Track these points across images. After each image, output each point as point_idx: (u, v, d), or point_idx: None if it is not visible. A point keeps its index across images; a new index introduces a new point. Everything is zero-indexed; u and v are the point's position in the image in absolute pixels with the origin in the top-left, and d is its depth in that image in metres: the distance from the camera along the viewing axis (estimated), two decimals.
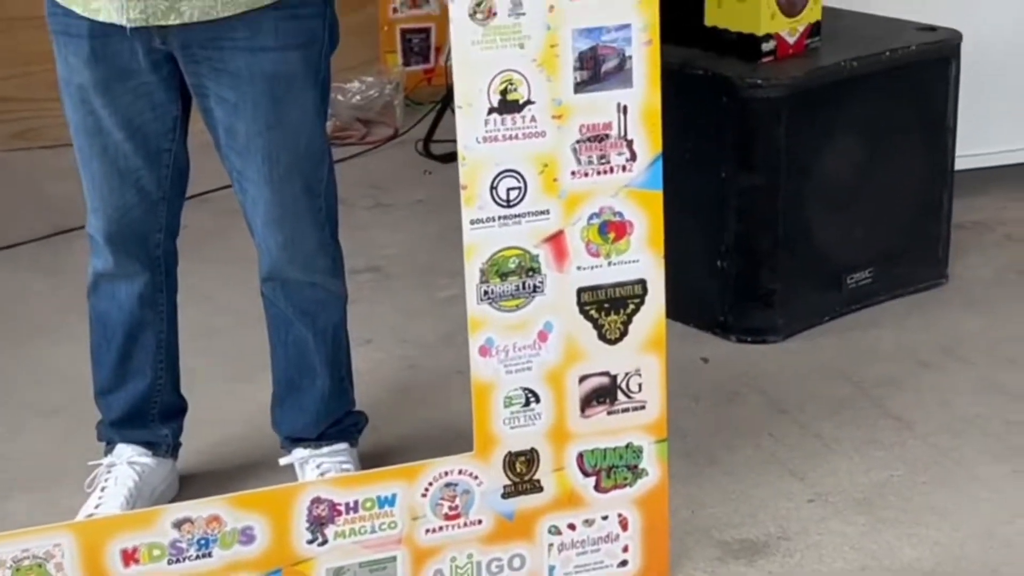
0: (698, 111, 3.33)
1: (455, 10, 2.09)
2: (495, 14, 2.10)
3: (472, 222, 2.18)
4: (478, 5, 2.08)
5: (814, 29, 3.41)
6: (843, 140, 3.45)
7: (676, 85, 3.04)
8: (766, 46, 3.33)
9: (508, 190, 2.18)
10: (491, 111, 2.14)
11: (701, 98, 3.33)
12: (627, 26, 2.15)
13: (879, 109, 3.45)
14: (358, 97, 4.97)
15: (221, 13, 2.24)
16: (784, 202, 3.35)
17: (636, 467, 2.38)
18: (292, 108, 2.39)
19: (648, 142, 2.21)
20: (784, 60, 3.35)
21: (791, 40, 3.37)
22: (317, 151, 2.47)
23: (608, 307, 2.28)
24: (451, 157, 2.18)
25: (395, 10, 5.21)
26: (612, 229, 2.24)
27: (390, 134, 4.92)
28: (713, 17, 3.36)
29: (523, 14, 2.10)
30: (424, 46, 5.27)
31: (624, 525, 2.42)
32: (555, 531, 2.39)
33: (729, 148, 3.32)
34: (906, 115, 3.51)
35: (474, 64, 2.11)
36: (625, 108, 2.19)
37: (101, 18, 2.28)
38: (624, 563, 2.44)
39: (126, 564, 2.20)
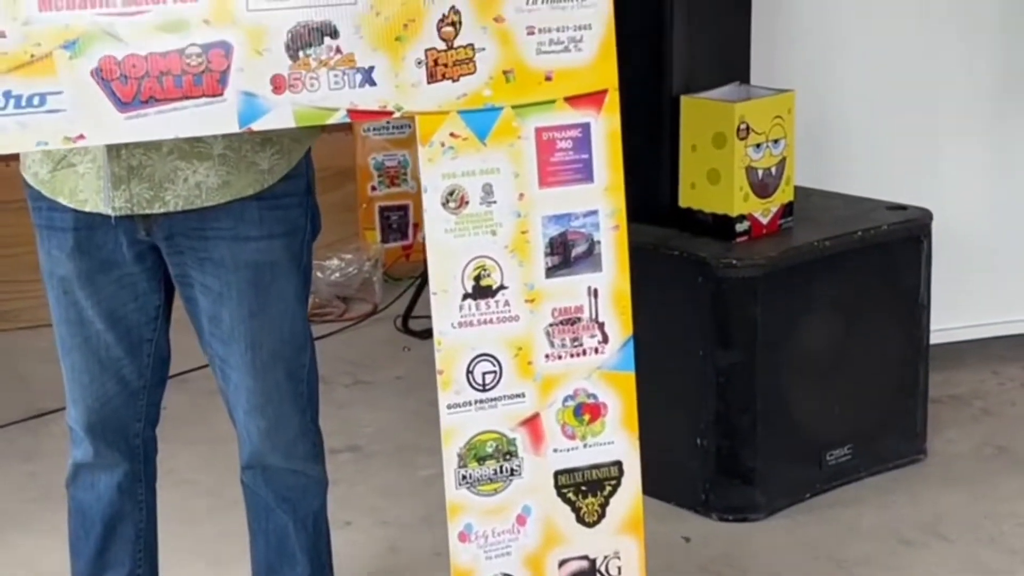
0: (674, 290, 3.37)
1: (428, 199, 2.14)
2: (467, 202, 2.14)
3: (449, 407, 2.20)
4: (450, 194, 2.13)
5: (787, 209, 3.46)
6: (819, 317, 3.49)
7: (652, 265, 3.11)
8: (740, 226, 3.38)
9: (484, 374, 2.20)
10: (465, 296, 2.17)
11: (677, 277, 3.38)
12: (595, 212, 2.20)
13: (853, 287, 3.50)
14: (337, 274, 5.03)
15: (205, 202, 2.28)
16: (762, 379, 3.38)
17: None
18: (275, 296, 2.42)
19: (619, 324, 2.24)
20: (758, 240, 3.40)
21: (764, 220, 3.42)
22: (300, 337, 2.49)
23: (585, 489, 2.29)
24: (430, 333, 2.21)
25: (373, 188, 5.31)
26: (587, 411, 2.26)
27: (369, 310, 4.97)
28: (687, 199, 3.42)
29: (494, 202, 2.15)
30: (402, 223, 5.36)
31: None
32: None
33: (706, 326, 3.35)
34: (880, 292, 3.56)
35: (448, 251, 2.16)
36: (596, 291, 2.23)
37: (87, 208, 2.31)
38: None
39: None
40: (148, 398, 2.57)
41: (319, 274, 4.89)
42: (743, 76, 3.57)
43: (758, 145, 3.37)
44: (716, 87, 3.43)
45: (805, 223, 3.53)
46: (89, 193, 2.31)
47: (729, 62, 3.57)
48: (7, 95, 1.93)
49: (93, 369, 2.48)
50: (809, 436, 3.46)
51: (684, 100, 3.40)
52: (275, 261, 2.40)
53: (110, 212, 2.29)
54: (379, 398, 4.22)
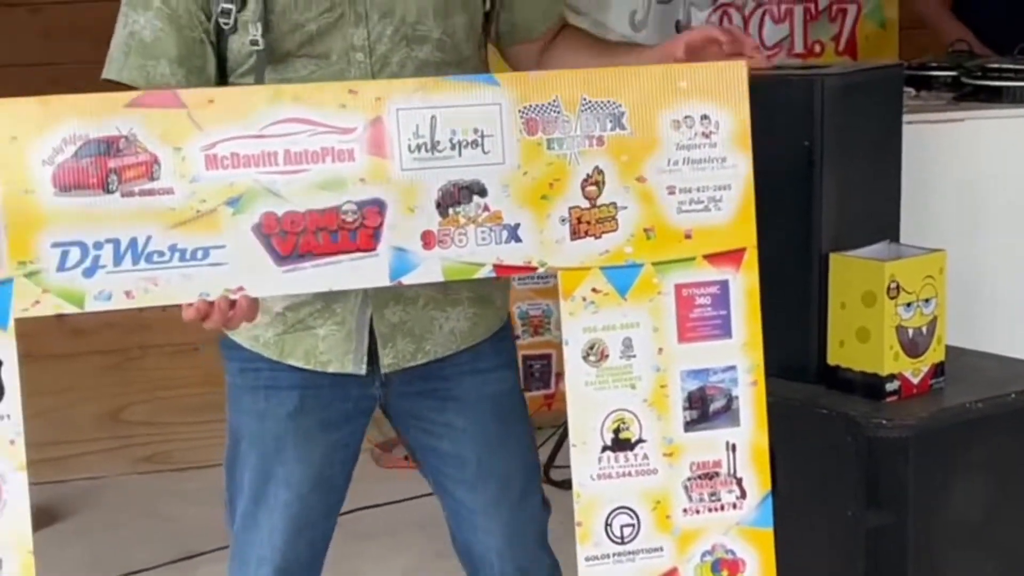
0: (822, 449, 3.36)
1: (569, 352, 2.20)
2: (607, 356, 2.20)
3: (587, 559, 2.24)
4: (591, 348, 2.19)
5: (938, 369, 3.44)
6: (972, 480, 3.45)
7: (799, 422, 3.12)
8: (890, 386, 3.36)
9: (622, 527, 2.24)
10: (604, 449, 2.22)
11: (825, 436, 3.37)
12: (733, 367, 2.24)
13: (1007, 449, 3.47)
14: None
15: (460, 346, 2.39)
16: (913, 542, 3.34)
17: None
18: (515, 424, 2.52)
19: (758, 480, 2.27)
20: (908, 399, 3.38)
21: (915, 380, 3.41)
22: (536, 465, 2.54)
23: None
24: (570, 484, 2.26)
25: (517, 336, 5.38)
26: (725, 567, 2.28)
27: None
28: (836, 356, 3.42)
29: (634, 356, 2.21)
30: (545, 372, 5.41)
31: None
32: None
33: (854, 486, 3.34)
34: None
35: (588, 403, 2.21)
36: (734, 446, 2.26)
37: (331, 369, 2.39)
38: None
39: None
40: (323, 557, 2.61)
41: None
42: (893, 235, 3.59)
43: (908, 304, 3.37)
44: (866, 245, 3.45)
45: (957, 383, 3.50)
46: (334, 355, 2.40)
47: (879, 221, 3.58)
48: (172, 249, 2.04)
49: (288, 532, 2.51)
50: None
51: (833, 258, 3.42)
52: (510, 389, 2.52)
53: (360, 372, 2.39)
54: None
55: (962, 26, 4.86)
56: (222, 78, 2.37)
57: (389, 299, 2.32)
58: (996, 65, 4.19)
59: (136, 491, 4.83)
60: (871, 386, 3.35)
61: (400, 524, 4.55)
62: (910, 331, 3.34)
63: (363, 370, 2.40)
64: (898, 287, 3.28)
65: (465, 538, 2.60)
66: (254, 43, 2.29)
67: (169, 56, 2.33)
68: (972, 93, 4.20)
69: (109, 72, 2.35)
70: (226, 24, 2.30)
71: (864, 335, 3.31)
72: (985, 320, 3.93)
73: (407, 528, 4.50)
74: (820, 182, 3.35)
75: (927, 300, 3.36)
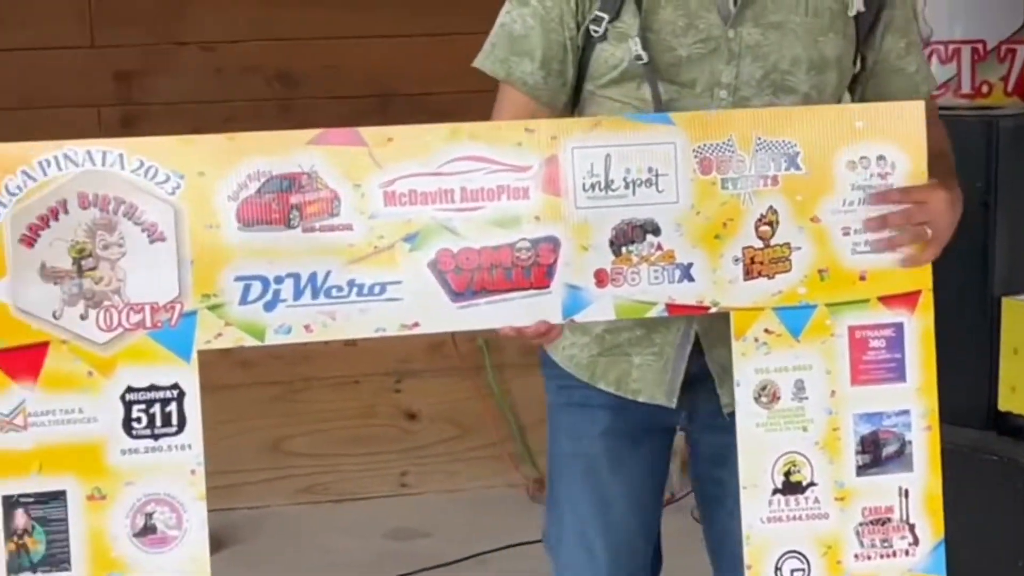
0: (992, 496, 3.34)
1: (740, 393, 2.20)
2: (779, 398, 2.19)
3: None
4: (763, 389, 2.19)
5: None
6: None
7: (968, 469, 3.09)
8: None
9: (792, 571, 2.22)
10: (775, 492, 2.20)
11: (995, 483, 3.34)
12: (907, 412, 2.22)
13: None
14: None
15: None
16: None
17: None
18: None
19: (931, 527, 2.24)
20: None
21: None
22: None
23: None
24: None
25: None
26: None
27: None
28: (1007, 402, 3.39)
29: (806, 398, 2.20)
30: None
31: None
32: None
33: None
34: None
35: (759, 446, 2.20)
36: (907, 492, 2.23)
37: (640, 399, 2.41)
38: None
39: None
40: None
41: None
42: None
43: None
44: None
45: None
46: (645, 384, 2.41)
47: None
48: (351, 284, 2.09)
49: (610, 553, 2.51)
50: None
51: (1006, 302, 3.39)
52: None
53: (671, 405, 2.40)
54: None
55: None
56: (577, 84, 2.39)
57: (718, 340, 2.31)
58: None
59: (295, 521, 4.88)
60: None
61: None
62: None
63: (674, 403, 2.40)
64: None
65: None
66: (639, 58, 2.28)
67: (533, 55, 2.35)
68: None
69: (478, 60, 2.39)
70: (596, 32, 2.31)
71: None
72: None
73: None
74: (994, 224, 3.33)
75: None
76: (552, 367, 2.50)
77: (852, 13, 2.33)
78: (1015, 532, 3.32)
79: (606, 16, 2.28)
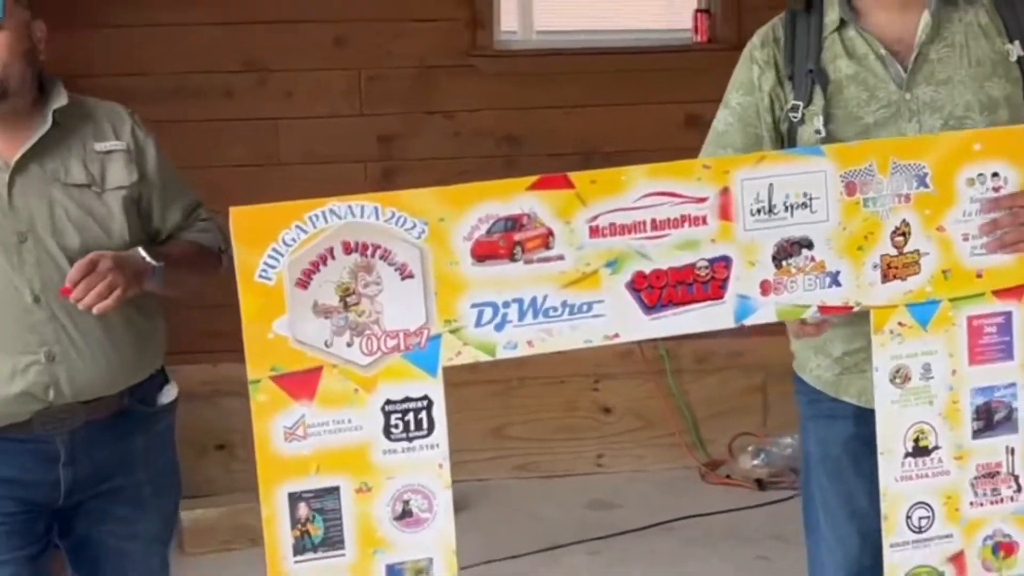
0: None
1: (878, 377, 2.62)
2: (910, 379, 2.63)
3: (892, 545, 2.68)
4: (897, 372, 2.62)
5: None
6: None
7: None
8: None
9: (920, 519, 2.67)
10: (907, 455, 2.65)
11: None
12: (1013, 384, 2.67)
13: None
14: (789, 450, 5.54)
15: None
16: None
17: None
18: None
19: None
20: None
21: None
22: None
23: None
24: None
25: None
26: (1003, 549, 2.72)
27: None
28: None
29: (932, 378, 2.63)
30: None
31: None
32: None
33: None
34: None
35: (893, 419, 2.64)
36: (1012, 450, 2.69)
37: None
38: None
39: None
40: None
41: (773, 449, 5.62)
42: None
43: None
44: None
45: None
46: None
47: None
48: (564, 304, 2.47)
49: (856, 536, 2.93)
50: None
51: None
52: None
53: None
54: None
55: None
56: None
57: None
58: None
59: (513, 493, 5.62)
60: None
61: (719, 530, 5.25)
62: None
63: None
64: None
65: None
66: (817, 132, 2.72)
67: (735, 146, 2.83)
68: None
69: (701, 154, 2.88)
70: (795, 118, 2.76)
71: None
72: None
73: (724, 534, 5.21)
74: None
75: None
76: (803, 384, 2.97)
77: (1013, 59, 2.75)
78: None
79: (800, 103, 2.73)
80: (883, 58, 2.75)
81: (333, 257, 2.38)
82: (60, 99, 2.89)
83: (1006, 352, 2.67)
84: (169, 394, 3.09)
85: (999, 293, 2.65)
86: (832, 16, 2.79)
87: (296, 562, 2.45)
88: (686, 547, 5.01)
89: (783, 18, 2.85)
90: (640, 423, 5.87)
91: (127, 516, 3.02)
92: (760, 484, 5.54)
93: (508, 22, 6.02)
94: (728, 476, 5.69)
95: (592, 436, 5.85)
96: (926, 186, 2.58)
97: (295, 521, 2.45)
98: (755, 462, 5.63)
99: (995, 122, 2.73)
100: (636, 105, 5.69)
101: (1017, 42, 2.75)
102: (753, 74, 2.83)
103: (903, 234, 2.58)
